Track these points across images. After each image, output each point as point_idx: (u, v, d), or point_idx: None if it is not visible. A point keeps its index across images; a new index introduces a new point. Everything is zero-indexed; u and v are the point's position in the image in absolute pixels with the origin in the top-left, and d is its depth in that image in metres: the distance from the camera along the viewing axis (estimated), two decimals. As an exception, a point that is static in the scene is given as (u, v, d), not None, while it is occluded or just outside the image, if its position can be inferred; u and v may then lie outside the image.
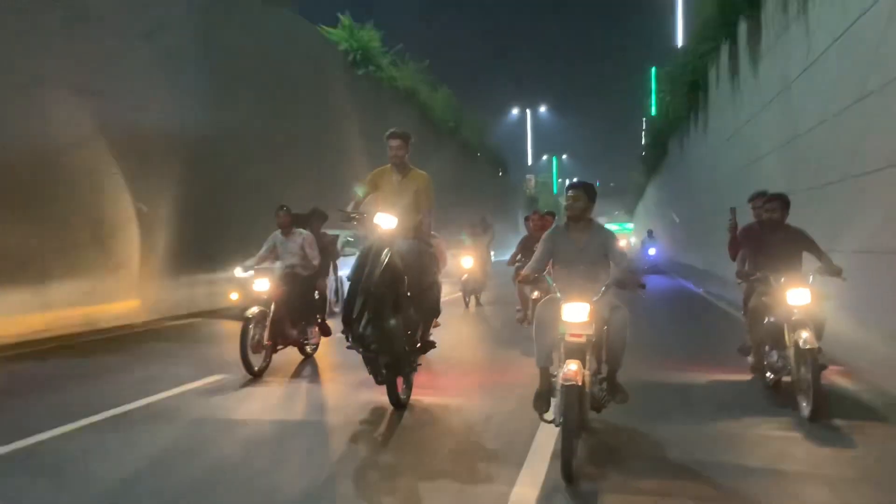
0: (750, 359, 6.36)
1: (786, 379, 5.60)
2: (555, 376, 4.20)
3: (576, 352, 4.04)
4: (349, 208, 5.41)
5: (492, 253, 18.23)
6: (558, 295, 4.25)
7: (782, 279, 5.46)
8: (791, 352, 5.28)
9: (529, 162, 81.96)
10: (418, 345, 5.54)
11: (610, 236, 4.64)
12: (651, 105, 40.87)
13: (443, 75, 32.59)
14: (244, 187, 14.97)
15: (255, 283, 7.01)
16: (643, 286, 4.46)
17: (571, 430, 3.78)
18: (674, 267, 27.03)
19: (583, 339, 4.06)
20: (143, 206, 12.13)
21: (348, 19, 22.14)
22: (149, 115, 12.17)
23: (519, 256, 9.01)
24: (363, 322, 4.89)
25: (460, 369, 7.20)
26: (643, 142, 44.57)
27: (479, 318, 12.46)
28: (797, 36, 11.48)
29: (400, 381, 5.23)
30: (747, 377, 6.38)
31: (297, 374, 7.19)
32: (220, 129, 13.90)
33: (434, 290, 5.61)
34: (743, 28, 15.70)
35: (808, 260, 5.86)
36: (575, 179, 5.29)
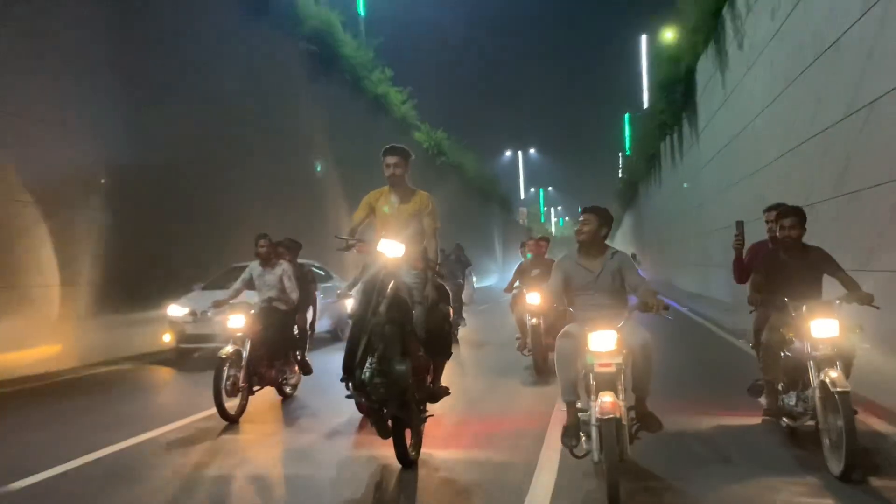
0: (762, 400, 5.52)
1: (809, 423, 4.78)
2: (582, 410, 4.17)
3: (607, 382, 3.97)
4: (345, 234, 4.96)
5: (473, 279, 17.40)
6: (585, 328, 4.13)
7: (804, 307, 4.71)
8: (816, 394, 4.52)
9: (522, 196, 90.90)
10: (430, 392, 5.00)
11: (625, 260, 4.52)
12: (626, 144, 45.58)
13: (444, 120, 36.62)
14: (187, 215, 13.70)
15: (229, 319, 6.58)
16: (667, 308, 4.20)
17: (615, 465, 3.67)
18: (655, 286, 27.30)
19: (613, 369, 3.98)
20: None
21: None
22: (64, 137, 11.01)
23: (516, 283, 8.90)
24: (366, 366, 4.38)
25: (468, 412, 6.45)
26: (619, 175, 49.98)
27: (469, 348, 11.66)
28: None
29: (408, 433, 4.62)
30: (756, 420, 5.57)
31: (277, 419, 6.68)
32: (154, 155, 12.65)
33: (446, 327, 5.08)
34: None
35: (828, 285, 5.09)
36: (587, 205, 4.91)
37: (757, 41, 13.87)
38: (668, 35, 23.22)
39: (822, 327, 4.56)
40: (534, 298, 8.07)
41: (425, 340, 4.80)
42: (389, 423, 4.45)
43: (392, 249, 4.57)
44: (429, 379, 4.95)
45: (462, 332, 12.62)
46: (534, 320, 8.20)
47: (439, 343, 4.97)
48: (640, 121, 31.55)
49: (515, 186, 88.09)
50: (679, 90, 21.68)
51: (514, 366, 8.87)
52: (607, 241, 4.64)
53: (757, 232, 6.22)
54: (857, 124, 8.86)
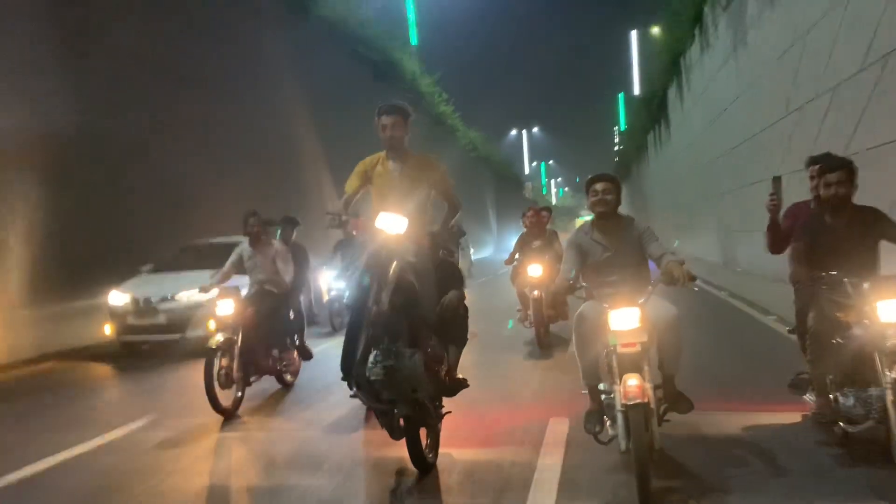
0: (809, 398, 4.56)
1: (868, 426, 3.91)
2: (605, 393, 3.98)
3: (632, 364, 3.73)
4: (336, 209, 4.40)
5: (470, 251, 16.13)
6: (605, 305, 3.88)
7: (865, 284, 3.92)
8: (888, 396, 3.69)
9: (526, 171, 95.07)
10: (445, 385, 4.45)
11: (644, 228, 4.28)
12: (621, 120, 49.85)
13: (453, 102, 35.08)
14: (136, 189, 12.07)
15: (217, 305, 6.25)
16: (694, 278, 3.90)
17: (644, 453, 3.45)
18: None
19: (637, 349, 3.74)
20: None
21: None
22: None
23: (516, 255, 8.74)
24: (371, 362, 3.90)
25: (472, 395, 5.52)
26: (616, 149, 52.81)
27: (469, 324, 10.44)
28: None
29: (424, 433, 4.20)
30: (796, 417, 4.78)
31: (277, 411, 6.17)
32: (97, 123, 11.22)
33: (461, 311, 4.52)
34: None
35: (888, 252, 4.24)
36: (601, 173, 4.46)
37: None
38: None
39: (892, 309, 3.74)
40: (535, 270, 8.06)
41: (437, 327, 4.32)
42: (402, 421, 4.03)
43: (393, 224, 3.99)
44: (444, 370, 4.41)
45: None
46: (535, 292, 8.06)
47: (454, 329, 4.46)
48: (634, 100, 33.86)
49: (518, 161, 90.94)
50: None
51: (515, 340, 8.61)
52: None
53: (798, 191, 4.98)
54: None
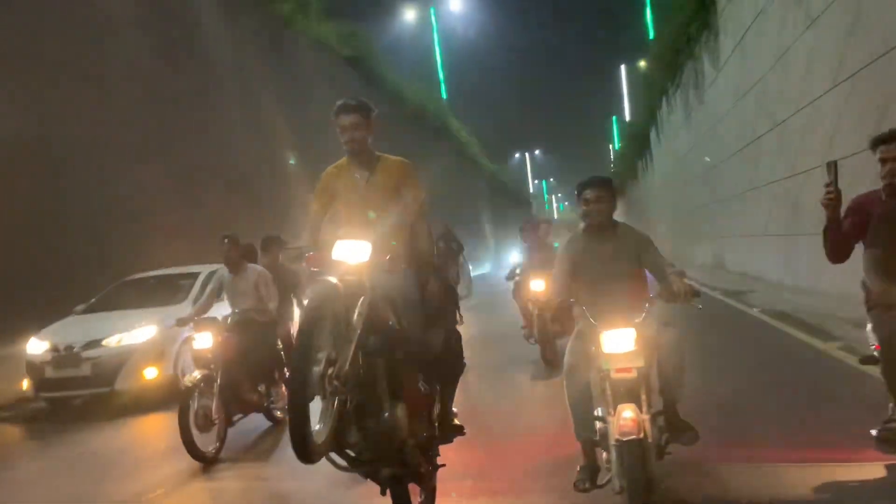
0: None
1: None
2: (600, 419, 3.62)
3: (627, 392, 3.42)
4: (301, 242, 3.83)
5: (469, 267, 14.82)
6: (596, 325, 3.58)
7: None
8: None
9: (531, 190, 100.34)
10: (437, 432, 3.86)
11: (641, 238, 3.93)
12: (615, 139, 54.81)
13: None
14: (71, 214, 10.54)
15: (195, 339, 5.96)
16: (697, 295, 3.57)
17: (639, 494, 3.20)
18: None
19: (632, 374, 3.42)
20: None
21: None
22: None
23: (518, 270, 8.66)
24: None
25: (490, 430, 5.37)
26: (612, 168, 54.67)
27: (470, 346, 9.49)
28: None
29: (416, 489, 3.67)
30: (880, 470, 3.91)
31: (265, 455, 5.80)
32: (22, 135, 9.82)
33: (452, 341, 3.92)
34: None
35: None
36: (592, 176, 4.09)
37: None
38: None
39: None
40: (538, 285, 7.82)
41: (426, 364, 3.70)
42: (389, 482, 3.51)
43: (353, 252, 3.25)
44: (436, 412, 3.84)
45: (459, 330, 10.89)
46: (538, 308, 7.74)
47: (446, 364, 3.88)
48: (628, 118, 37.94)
49: (523, 181, 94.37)
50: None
51: (519, 359, 8.24)
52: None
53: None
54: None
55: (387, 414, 3.27)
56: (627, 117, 47.44)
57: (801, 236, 10.85)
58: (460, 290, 10.72)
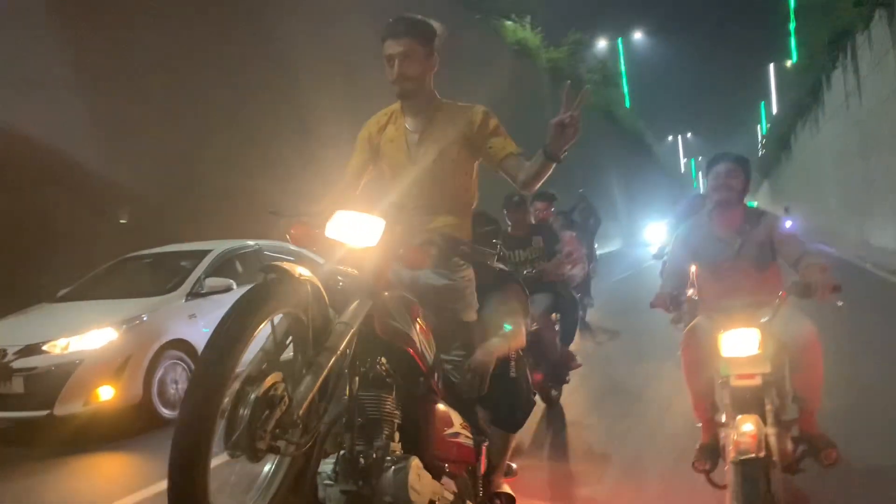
0: None
1: None
2: (722, 426, 3.30)
3: (748, 402, 3.05)
4: (298, 209, 2.63)
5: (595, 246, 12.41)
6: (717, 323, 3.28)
7: None
8: None
9: (682, 171, 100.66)
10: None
11: (776, 223, 3.51)
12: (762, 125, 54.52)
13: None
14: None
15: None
16: (838, 288, 3.05)
17: None
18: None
19: (756, 382, 3.05)
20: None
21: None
22: None
23: (668, 249, 6.90)
24: (324, 477, 2.29)
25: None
26: (765, 127, 57.56)
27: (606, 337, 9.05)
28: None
29: None
30: None
31: None
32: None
33: (515, 370, 3.04)
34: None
35: None
36: (725, 153, 3.64)
37: None
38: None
39: None
40: None
41: (468, 403, 2.80)
42: None
43: (357, 230, 2.21)
44: (480, 471, 2.85)
45: (592, 315, 10.19)
46: (690, 290, 5.86)
47: (500, 403, 2.97)
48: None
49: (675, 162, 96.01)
50: None
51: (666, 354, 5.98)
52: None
53: None
54: None
55: (390, 474, 2.23)
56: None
57: None
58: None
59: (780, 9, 44.90)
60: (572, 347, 5.95)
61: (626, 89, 50.26)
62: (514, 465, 3.30)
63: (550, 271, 5.45)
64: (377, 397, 2.33)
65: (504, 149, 2.76)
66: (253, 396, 1.76)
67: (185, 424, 1.65)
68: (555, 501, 3.85)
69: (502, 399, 2.96)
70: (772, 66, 62.77)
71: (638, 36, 56.09)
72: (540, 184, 2.72)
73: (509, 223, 5.65)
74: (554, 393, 5.54)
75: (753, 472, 2.83)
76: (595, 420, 5.41)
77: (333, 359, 1.99)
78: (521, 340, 3.06)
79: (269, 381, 1.79)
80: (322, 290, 2.04)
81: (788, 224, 17.30)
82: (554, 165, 2.60)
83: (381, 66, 2.75)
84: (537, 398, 5.44)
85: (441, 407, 2.61)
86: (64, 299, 6.52)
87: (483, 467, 2.88)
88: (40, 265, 8.04)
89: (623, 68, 51.29)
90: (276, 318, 1.94)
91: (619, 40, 52.74)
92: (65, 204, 8.67)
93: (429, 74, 2.80)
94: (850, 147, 22.69)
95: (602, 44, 45.28)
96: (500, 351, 2.89)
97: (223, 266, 6.76)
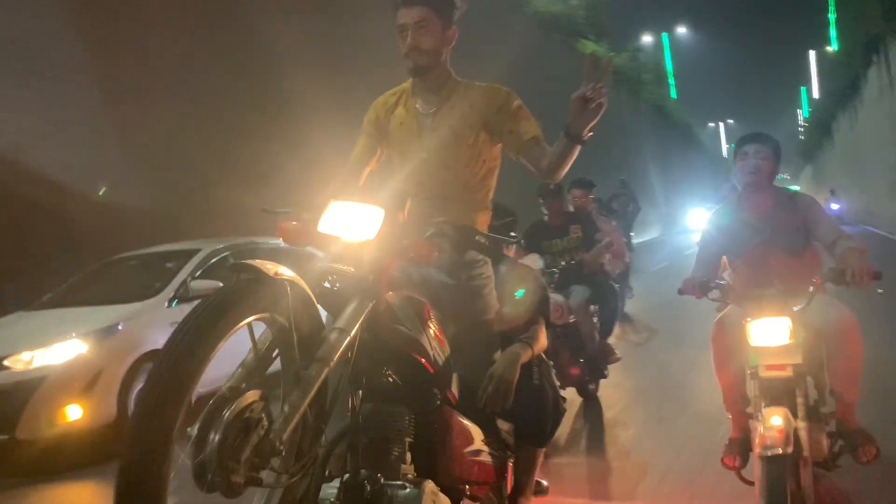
0: None
1: None
2: (753, 417, 3.19)
3: (778, 394, 2.92)
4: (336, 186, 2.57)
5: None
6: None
7: None
8: None
9: (724, 155, 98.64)
10: None
11: (811, 204, 3.35)
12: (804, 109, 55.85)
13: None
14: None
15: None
16: (878, 276, 2.89)
17: None
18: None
19: (787, 373, 2.92)
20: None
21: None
22: None
23: None
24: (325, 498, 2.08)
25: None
26: (805, 111, 58.60)
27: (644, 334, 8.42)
28: None
29: None
30: None
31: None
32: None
33: (540, 378, 2.79)
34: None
35: None
36: (753, 133, 3.55)
37: None
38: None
39: None
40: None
41: (491, 415, 2.62)
42: None
43: (353, 222, 2.00)
44: (507, 486, 2.72)
45: (631, 306, 9.82)
46: (725, 276, 5.64)
47: (530, 416, 2.72)
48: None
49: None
50: None
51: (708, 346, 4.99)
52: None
53: None
54: None
55: (402, 497, 2.00)
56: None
57: None
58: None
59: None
60: (611, 340, 5.82)
61: (671, 81, 51.68)
62: (544, 483, 3.07)
63: (589, 262, 5.32)
64: (384, 413, 2.15)
65: (527, 133, 2.53)
66: (223, 421, 1.51)
67: (130, 461, 1.39)
68: (591, 499, 3.79)
69: (527, 410, 2.69)
70: (812, 53, 63.82)
71: (682, 30, 58.67)
72: (565, 170, 2.47)
73: (546, 212, 5.52)
74: (591, 387, 5.38)
75: (778, 468, 2.70)
76: (634, 416, 5.22)
77: (326, 371, 1.75)
78: (543, 343, 2.82)
79: (243, 400, 1.56)
80: (308, 291, 1.80)
81: (836, 207, 16.75)
82: (579, 148, 2.36)
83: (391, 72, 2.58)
84: (574, 392, 5.21)
85: (459, 421, 2.41)
86: (44, 306, 6.02)
87: (509, 487, 2.75)
88: (39, 268, 7.62)
89: (669, 63, 53.14)
90: (254, 325, 1.70)
91: (665, 36, 55.50)
92: (62, 202, 8.24)
93: (445, 49, 2.58)
94: (889, 135, 22.96)
95: (648, 39, 46.43)
96: (524, 357, 2.68)
97: (214, 267, 6.20)
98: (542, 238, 5.56)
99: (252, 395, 1.57)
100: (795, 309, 2.92)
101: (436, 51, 2.54)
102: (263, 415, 1.59)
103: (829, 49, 41.17)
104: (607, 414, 5.21)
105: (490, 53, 11.74)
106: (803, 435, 2.83)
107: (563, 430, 4.52)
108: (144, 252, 6.59)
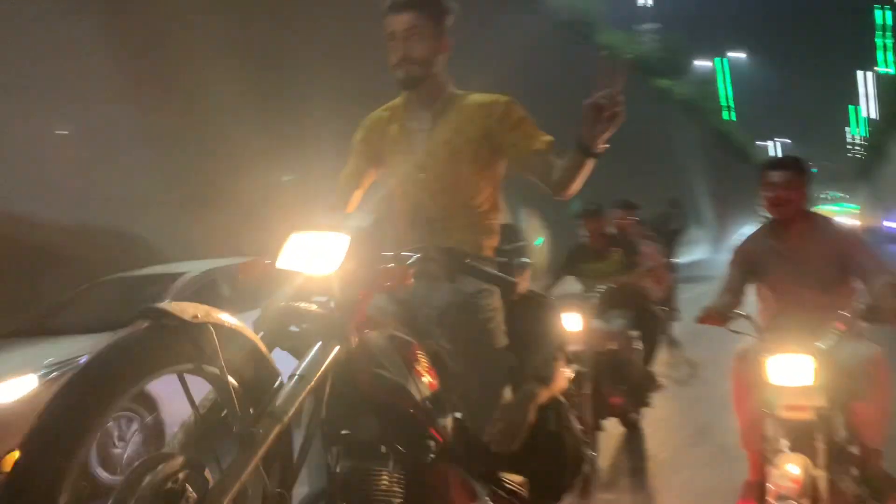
0: None
1: None
2: (767, 460, 3.17)
3: (797, 439, 2.81)
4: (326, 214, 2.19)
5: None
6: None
7: None
8: None
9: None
10: None
11: (849, 234, 3.28)
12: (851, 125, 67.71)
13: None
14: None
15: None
16: None
17: None
18: None
19: (807, 415, 2.79)
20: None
21: None
22: None
23: None
24: None
25: None
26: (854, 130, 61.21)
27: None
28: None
29: None
30: None
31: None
32: None
33: (562, 431, 2.61)
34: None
35: None
36: (780, 157, 3.77)
37: None
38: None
39: None
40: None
41: (500, 463, 2.43)
42: None
43: (315, 254, 1.84)
44: None
45: (677, 329, 9.16)
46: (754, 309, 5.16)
47: (545, 468, 2.55)
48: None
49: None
50: None
51: None
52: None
53: None
54: None
55: None
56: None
57: None
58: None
59: (866, 21, 47.92)
60: (655, 366, 5.72)
61: (731, 103, 55.92)
62: None
63: (630, 286, 5.23)
64: (366, 472, 1.98)
65: (531, 146, 2.36)
66: (136, 494, 1.33)
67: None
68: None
69: (542, 461, 2.52)
70: (861, 73, 67.87)
71: (734, 55, 62.19)
72: (577, 185, 2.29)
73: (587, 233, 5.44)
74: (634, 416, 5.22)
75: None
76: (678, 450, 5.00)
77: (278, 427, 1.56)
78: (562, 382, 2.61)
79: (164, 470, 1.36)
80: (249, 334, 1.63)
81: (893, 225, 16.76)
82: (592, 163, 2.20)
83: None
84: (614, 422, 5.05)
85: (459, 475, 2.26)
86: (16, 334, 5.56)
87: None
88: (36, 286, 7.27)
89: (728, 86, 57.41)
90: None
91: (719, 60, 59.69)
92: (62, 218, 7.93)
93: (438, 58, 2.45)
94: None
95: (706, 63, 47.91)
96: (540, 398, 2.47)
97: (203, 290, 5.71)
98: (580, 261, 5.47)
99: (174, 464, 1.38)
100: (822, 346, 2.77)
101: (428, 60, 2.43)
102: (188, 485, 1.39)
103: (878, 69, 48.71)
104: (650, 445, 5.03)
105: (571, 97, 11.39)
106: (822, 485, 2.73)
107: (603, 461, 4.51)
108: (128, 275, 6.18)
